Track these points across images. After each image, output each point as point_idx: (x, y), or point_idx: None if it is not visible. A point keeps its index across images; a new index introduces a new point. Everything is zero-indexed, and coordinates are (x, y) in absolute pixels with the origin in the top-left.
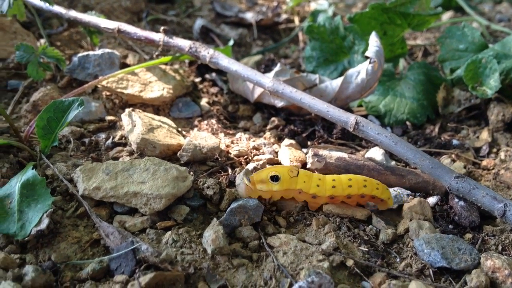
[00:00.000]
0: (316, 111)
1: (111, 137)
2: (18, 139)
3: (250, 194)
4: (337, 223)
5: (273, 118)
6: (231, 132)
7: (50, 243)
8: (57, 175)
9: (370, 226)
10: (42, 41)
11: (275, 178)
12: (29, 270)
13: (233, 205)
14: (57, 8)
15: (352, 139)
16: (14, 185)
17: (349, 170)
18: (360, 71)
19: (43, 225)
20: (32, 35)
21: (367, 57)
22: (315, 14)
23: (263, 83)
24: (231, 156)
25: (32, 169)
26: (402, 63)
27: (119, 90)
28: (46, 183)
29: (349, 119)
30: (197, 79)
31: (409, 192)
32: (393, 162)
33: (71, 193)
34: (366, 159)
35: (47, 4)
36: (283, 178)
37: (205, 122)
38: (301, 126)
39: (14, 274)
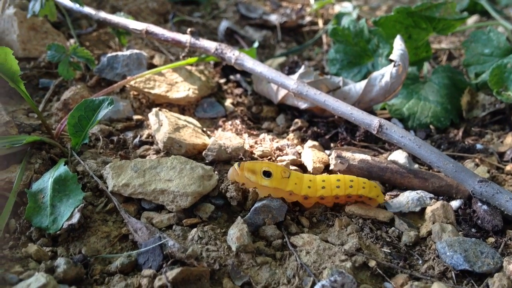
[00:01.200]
0: (340, 113)
1: (139, 136)
2: (50, 136)
3: (235, 178)
4: (359, 224)
5: (296, 120)
6: (255, 132)
7: (81, 237)
8: (88, 172)
9: (393, 228)
10: (72, 41)
11: (267, 174)
12: (61, 263)
13: (257, 204)
14: (87, 9)
15: (375, 142)
16: (47, 180)
17: (371, 173)
18: (384, 74)
19: (74, 220)
20: (62, 35)
21: (391, 60)
22: (339, 16)
23: (288, 85)
24: (255, 156)
25: (64, 165)
26: (426, 66)
27: (146, 90)
28: (77, 179)
29: (372, 122)
30: (222, 80)
31: (432, 195)
32: (416, 165)
33: (101, 189)
34: (389, 162)
35: (77, 5)
36: (275, 176)
37: (229, 122)
38: (324, 128)
39: (47, 266)
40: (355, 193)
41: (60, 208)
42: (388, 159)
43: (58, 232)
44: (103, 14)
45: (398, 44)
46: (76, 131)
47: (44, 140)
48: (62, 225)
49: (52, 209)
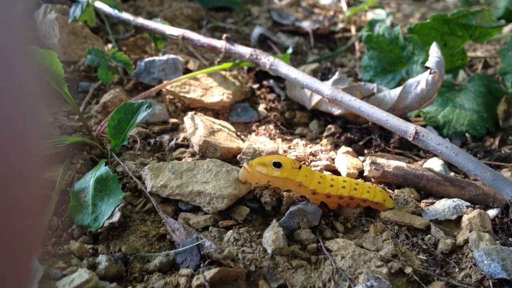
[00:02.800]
0: (375, 120)
1: (174, 139)
2: (90, 137)
3: (247, 177)
4: (395, 231)
5: (329, 126)
6: (288, 138)
7: (120, 236)
8: (127, 172)
9: (429, 235)
10: (110, 45)
11: (277, 165)
12: (102, 260)
13: (292, 208)
14: (125, 15)
15: (409, 149)
16: (89, 180)
17: (407, 180)
18: (420, 81)
19: (115, 218)
20: (101, 39)
21: (427, 68)
22: (372, 23)
23: (322, 91)
24: None
25: (105, 165)
26: (461, 74)
27: (181, 94)
28: (117, 179)
29: (408, 129)
30: (255, 85)
31: (468, 203)
32: (452, 173)
33: (140, 190)
34: (425, 169)
35: (116, 11)
36: (285, 166)
37: (263, 127)
38: (357, 134)
39: (89, 263)
40: (359, 196)
41: (101, 207)
42: (423, 166)
43: (99, 230)
44: (140, 20)
45: (434, 51)
46: (116, 133)
47: (85, 141)
48: (103, 223)
49: (93, 207)
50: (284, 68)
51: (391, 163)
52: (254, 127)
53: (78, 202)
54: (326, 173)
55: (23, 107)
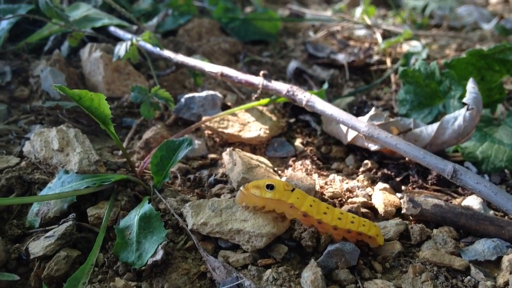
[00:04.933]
0: (412, 157)
1: (213, 174)
2: (134, 174)
3: (243, 199)
4: (434, 272)
5: (366, 161)
6: (324, 173)
7: (163, 273)
8: (169, 209)
9: (469, 277)
10: (151, 81)
11: (270, 187)
12: None
13: (330, 247)
14: (167, 53)
15: (448, 186)
16: (133, 217)
17: (445, 218)
18: (457, 117)
19: (158, 256)
20: (143, 76)
21: (464, 104)
22: (408, 56)
23: (359, 128)
24: (326, 197)
25: (148, 203)
26: (500, 108)
27: (220, 129)
28: (160, 216)
29: (446, 167)
30: (291, 120)
31: (508, 243)
32: (491, 212)
33: (181, 227)
34: (464, 207)
35: (157, 49)
36: (278, 188)
37: (299, 162)
38: (394, 170)
39: None
40: (355, 229)
41: (145, 244)
42: (462, 204)
43: (143, 267)
44: (180, 58)
45: (471, 87)
46: (158, 170)
47: (130, 178)
48: (147, 261)
49: (137, 245)
50: (320, 105)
51: (429, 201)
52: (290, 162)
53: (123, 239)
54: (363, 210)
55: None
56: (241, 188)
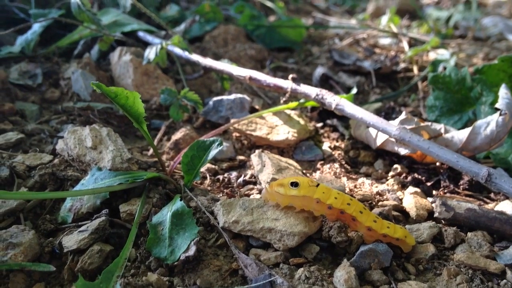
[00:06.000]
0: (445, 161)
1: (242, 175)
2: (164, 173)
3: (267, 196)
4: (469, 275)
5: (395, 166)
6: (353, 176)
7: (195, 269)
8: (200, 207)
9: (504, 280)
10: (179, 85)
11: (294, 184)
12: None
13: (363, 248)
14: (195, 57)
15: (479, 191)
16: (166, 214)
17: (479, 223)
18: (489, 123)
19: (190, 252)
20: (171, 79)
21: (497, 109)
22: (435, 63)
23: (389, 131)
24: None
25: (180, 200)
26: None
27: (248, 132)
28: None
29: (481, 171)
30: (319, 124)
31: None
32: None
33: (212, 225)
34: (498, 212)
35: (186, 53)
36: (302, 185)
37: (327, 165)
38: (425, 174)
39: None
40: (379, 231)
41: (177, 240)
42: (495, 209)
43: (175, 263)
44: (209, 62)
45: (504, 93)
46: (189, 169)
47: (161, 176)
48: (179, 256)
49: (170, 241)
50: (350, 108)
51: (463, 205)
52: (318, 165)
53: (156, 235)
54: (394, 213)
55: None
56: (266, 185)
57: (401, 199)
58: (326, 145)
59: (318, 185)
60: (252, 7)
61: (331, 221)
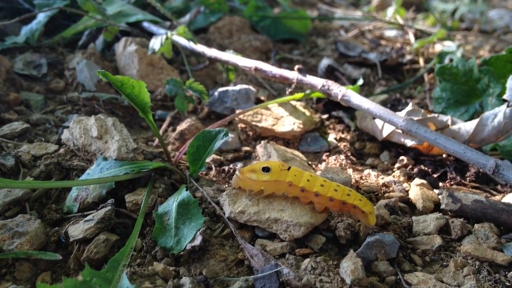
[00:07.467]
0: (452, 152)
1: None
2: (170, 163)
3: (239, 183)
4: (476, 266)
5: (401, 157)
6: (359, 168)
7: (201, 259)
8: (205, 198)
9: None
10: (183, 76)
11: (266, 169)
12: (186, 282)
13: (370, 239)
14: (200, 47)
15: (486, 183)
16: (171, 204)
17: (486, 214)
18: (497, 114)
19: (196, 242)
20: (176, 70)
21: (504, 100)
22: (442, 55)
23: (396, 122)
24: (362, 191)
25: (186, 190)
26: None
27: (253, 123)
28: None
29: (488, 162)
30: (324, 116)
31: None
32: None
33: (218, 215)
34: (506, 204)
35: (191, 44)
36: (274, 169)
37: (333, 157)
38: (431, 166)
39: (174, 284)
40: (351, 201)
41: (183, 230)
42: (502, 201)
43: (181, 252)
44: (214, 52)
45: (511, 84)
46: (194, 159)
47: (167, 166)
48: (185, 246)
49: (176, 230)
50: (356, 99)
51: (469, 197)
52: (324, 157)
53: (162, 224)
54: (400, 205)
55: None
56: (237, 172)
57: (407, 191)
58: (331, 137)
59: (289, 168)
60: None
61: (304, 205)
